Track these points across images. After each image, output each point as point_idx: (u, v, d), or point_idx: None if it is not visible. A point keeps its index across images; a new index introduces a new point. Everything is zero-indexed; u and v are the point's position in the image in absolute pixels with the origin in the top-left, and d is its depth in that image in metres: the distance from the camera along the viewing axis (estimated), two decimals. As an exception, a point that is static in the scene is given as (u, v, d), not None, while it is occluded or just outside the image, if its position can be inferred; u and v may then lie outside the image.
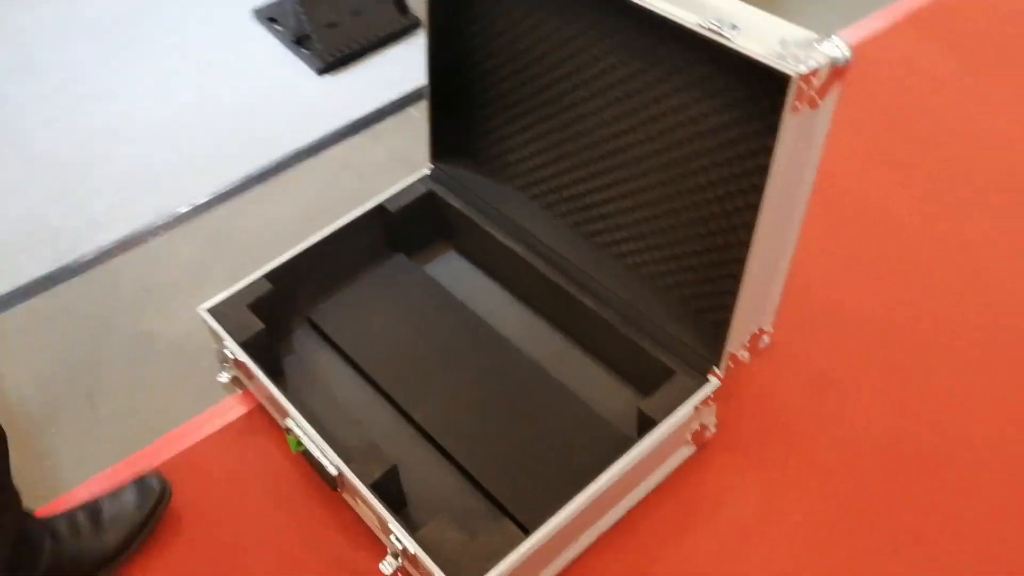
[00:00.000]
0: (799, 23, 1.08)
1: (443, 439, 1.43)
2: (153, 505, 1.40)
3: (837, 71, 1.05)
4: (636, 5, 1.16)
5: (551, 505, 1.27)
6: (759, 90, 1.14)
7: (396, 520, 1.22)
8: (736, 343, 1.31)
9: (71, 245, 1.91)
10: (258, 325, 1.48)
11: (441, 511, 1.25)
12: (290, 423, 1.37)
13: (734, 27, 1.07)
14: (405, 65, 2.27)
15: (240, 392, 1.58)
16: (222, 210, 1.95)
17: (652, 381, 1.39)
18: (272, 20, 2.40)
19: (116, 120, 2.20)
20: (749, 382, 1.52)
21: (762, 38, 1.06)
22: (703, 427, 1.40)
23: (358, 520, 1.40)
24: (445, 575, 1.16)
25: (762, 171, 1.14)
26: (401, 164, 2.00)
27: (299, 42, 2.32)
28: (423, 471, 1.42)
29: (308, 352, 1.60)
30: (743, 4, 1.12)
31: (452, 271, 1.72)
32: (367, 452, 1.32)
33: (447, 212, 1.70)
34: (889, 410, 1.48)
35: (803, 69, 1.01)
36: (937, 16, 2.24)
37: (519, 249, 1.58)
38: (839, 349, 1.56)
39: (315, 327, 1.63)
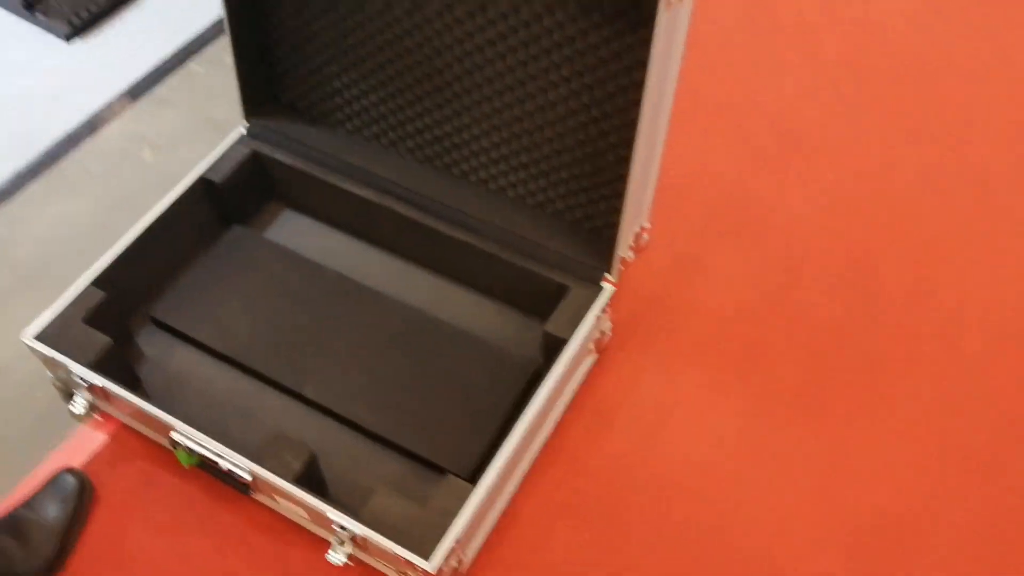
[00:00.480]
0: None
1: (345, 409, 1.35)
2: (75, 503, 1.29)
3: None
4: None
5: (482, 448, 1.23)
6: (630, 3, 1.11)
7: (334, 507, 1.15)
8: (623, 246, 1.32)
9: None
10: (103, 340, 1.30)
11: (374, 485, 1.19)
12: (176, 436, 1.23)
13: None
14: (165, 15, 2.02)
15: (96, 417, 1.40)
16: (-4, 219, 1.68)
17: (545, 302, 1.37)
18: (-13, -15, 2.05)
19: None
20: (627, 277, 1.55)
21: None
22: (602, 333, 1.41)
23: (280, 519, 1.30)
24: (407, 548, 1.11)
25: (638, 86, 1.13)
26: (201, 127, 1.80)
27: (30, 7, 1.99)
28: (335, 448, 1.34)
29: (163, 354, 1.44)
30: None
31: (297, 232, 1.59)
32: (277, 445, 1.21)
33: (277, 170, 1.56)
34: (745, 283, 1.56)
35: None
36: None
37: (370, 194, 1.48)
38: (698, 234, 1.62)
39: (162, 325, 1.46)
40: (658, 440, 1.37)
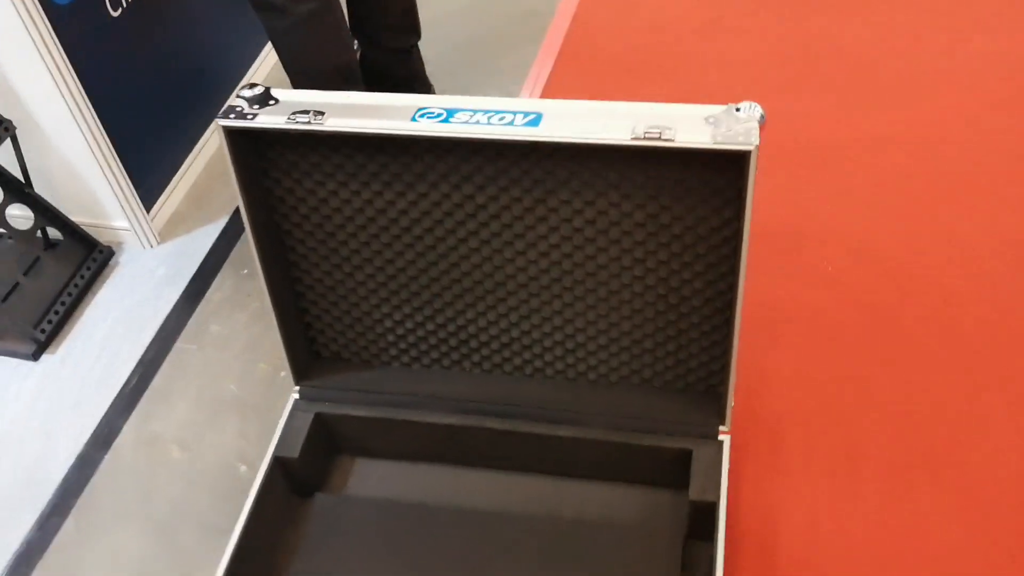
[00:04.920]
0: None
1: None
2: None
3: (761, 128, 1.14)
4: (546, 142, 1.15)
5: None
6: (714, 173, 1.19)
7: None
8: (732, 396, 1.36)
9: None
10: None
11: None
12: None
13: (667, 128, 1.11)
14: (131, 299, 1.94)
15: None
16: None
17: (671, 470, 1.39)
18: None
19: None
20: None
21: (689, 125, 1.12)
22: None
23: None
24: None
25: (734, 238, 1.20)
26: (216, 405, 1.72)
27: (-22, 334, 1.86)
28: None
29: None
30: (639, 105, 1.16)
31: (383, 480, 1.53)
32: None
33: (345, 426, 1.51)
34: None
35: (755, 140, 1.09)
36: None
37: (453, 419, 1.46)
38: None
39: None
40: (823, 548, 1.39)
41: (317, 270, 1.43)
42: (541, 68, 2.37)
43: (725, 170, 1.16)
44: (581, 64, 2.38)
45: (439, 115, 1.19)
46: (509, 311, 1.41)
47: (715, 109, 1.13)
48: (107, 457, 1.66)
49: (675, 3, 2.54)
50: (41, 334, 1.84)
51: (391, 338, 1.50)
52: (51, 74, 1.74)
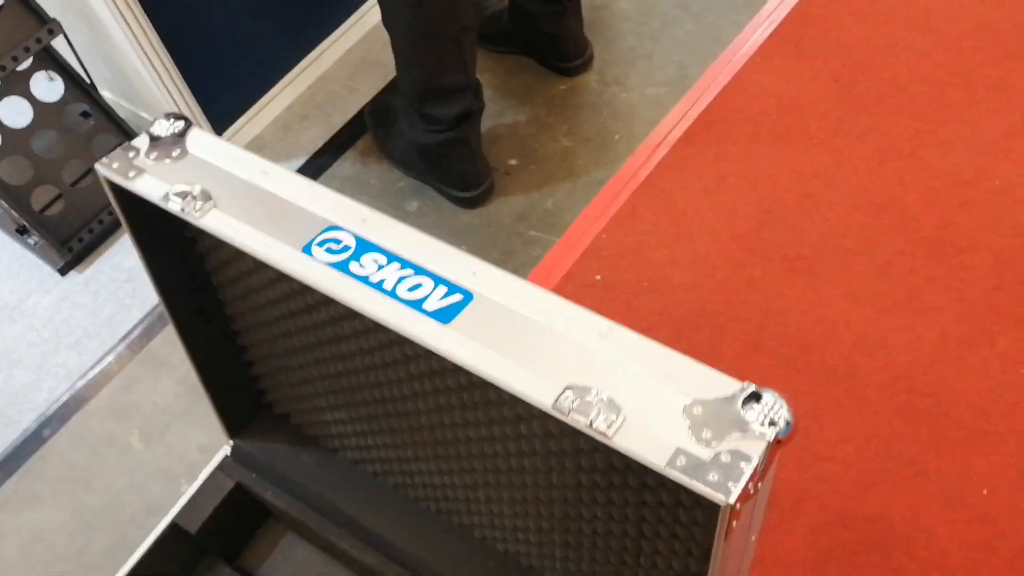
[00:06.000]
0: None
1: None
2: None
3: (777, 444, 0.68)
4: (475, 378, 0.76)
5: None
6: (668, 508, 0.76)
7: None
8: None
9: None
10: None
11: None
12: None
13: (612, 406, 0.68)
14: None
15: None
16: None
17: None
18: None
19: None
20: None
21: (655, 409, 0.68)
22: None
23: None
24: None
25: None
26: (196, 397, 1.54)
27: (22, 231, 1.78)
28: None
29: None
30: (618, 334, 0.73)
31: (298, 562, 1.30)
32: None
33: (267, 504, 1.27)
34: None
35: (734, 493, 0.64)
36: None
37: (373, 561, 1.17)
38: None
39: None
40: None
41: (258, 332, 1.15)
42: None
43: (687, 508, 0.73)
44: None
45: (341, 251, 0.83)
46: (453, 457, 1.07)
47: (716, 389, 0.69)
48: (74, 419, 1.55)
49: None
50: (70, 251, 1.73)
51: (336, 429, 1.21)
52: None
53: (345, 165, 1.81)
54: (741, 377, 0.69)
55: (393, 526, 1.18)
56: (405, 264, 0.81)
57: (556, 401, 0.69)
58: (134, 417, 1.54)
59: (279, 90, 1.90)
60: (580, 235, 1.63)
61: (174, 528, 1.23)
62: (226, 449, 1.28)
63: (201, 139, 0.95)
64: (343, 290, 0.80)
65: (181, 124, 0.96)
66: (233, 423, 1.26)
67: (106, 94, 1.82)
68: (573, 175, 1.71)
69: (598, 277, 1.57)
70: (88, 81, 1.72)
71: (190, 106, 1.76)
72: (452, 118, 1.59)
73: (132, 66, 1.69)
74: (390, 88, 1.88)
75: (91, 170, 1.74)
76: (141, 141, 0.95)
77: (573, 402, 0.69)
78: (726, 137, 1.71)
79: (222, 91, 1.80)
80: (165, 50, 1.65)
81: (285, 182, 0.90)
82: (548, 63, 1.88)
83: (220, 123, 1.82)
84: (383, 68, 1.89)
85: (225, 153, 0.93)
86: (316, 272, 0.81)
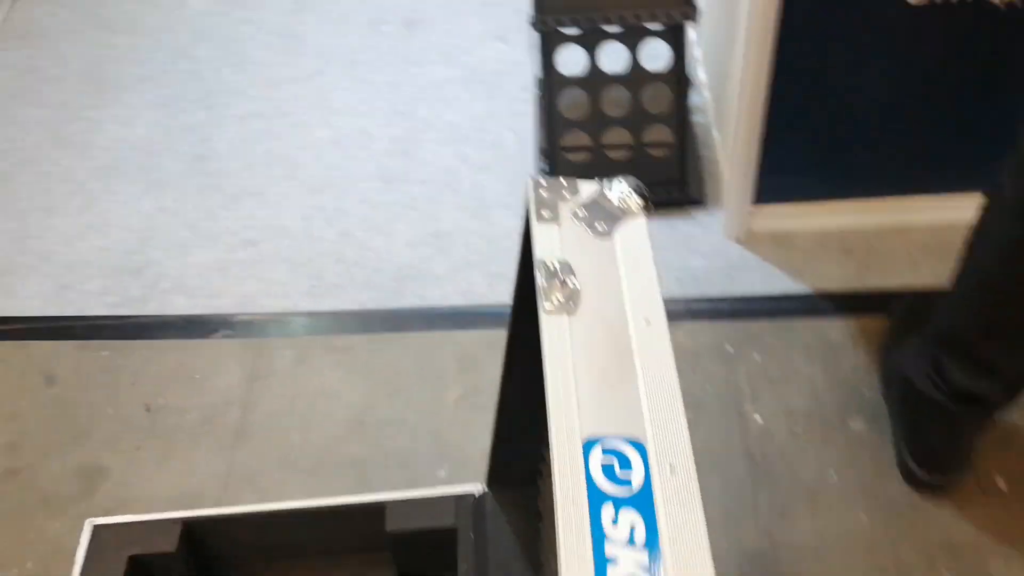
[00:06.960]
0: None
1: None
2: None
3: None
4: None
5: None
6: None
7: None
8: None
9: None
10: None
11: None
12: None
13: None
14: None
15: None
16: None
17: None
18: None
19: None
20: None
21: None
22: None
23: None
24: None
25: None
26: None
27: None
28: None
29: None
30: None
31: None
32: None
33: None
34: None
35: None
36: None
37: None
38: None
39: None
40: None
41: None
42: None
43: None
44: None
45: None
46: None
47: None
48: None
49: None
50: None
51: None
52: None
53: (836, 326, 1.50)
54: None
55: None
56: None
57: None
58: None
59: (847, 208, 1.63)
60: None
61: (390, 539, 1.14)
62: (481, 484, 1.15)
63: (634, 230, 0.76)
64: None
65: (637, 201, 0.79)
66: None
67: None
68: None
69: None
70: (688, 78, 1.61)
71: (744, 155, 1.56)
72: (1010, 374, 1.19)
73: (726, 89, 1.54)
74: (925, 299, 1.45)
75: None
76: (583, 187, 0.80)
77: None
78: None
79: (795, 165, 1.58)
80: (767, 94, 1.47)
81: (654, 351, 0.68)
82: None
83: (764, 193, 1.61)
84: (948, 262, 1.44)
85: (640, 267, 0.74)
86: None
